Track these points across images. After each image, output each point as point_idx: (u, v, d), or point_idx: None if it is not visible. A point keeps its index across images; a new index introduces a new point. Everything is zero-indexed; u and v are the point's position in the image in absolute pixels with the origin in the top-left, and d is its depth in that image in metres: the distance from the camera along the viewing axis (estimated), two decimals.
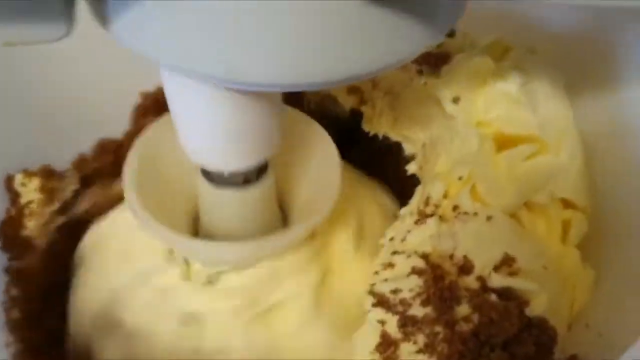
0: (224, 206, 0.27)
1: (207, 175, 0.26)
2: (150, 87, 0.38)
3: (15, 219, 0.31)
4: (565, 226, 0.29)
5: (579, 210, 0.30)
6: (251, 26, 0.17)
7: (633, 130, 0.30)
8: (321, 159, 0.28)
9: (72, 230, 0.33)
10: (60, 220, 0.32)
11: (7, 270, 0.30)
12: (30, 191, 0.31)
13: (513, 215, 0.28)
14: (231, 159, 0.24)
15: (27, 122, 0.33)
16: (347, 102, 0.34)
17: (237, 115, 0.22)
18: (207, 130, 0.22)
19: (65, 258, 0.32)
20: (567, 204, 0.30)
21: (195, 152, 0.24)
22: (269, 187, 0.27)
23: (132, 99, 0.38)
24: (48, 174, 0.33)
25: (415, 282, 0.24)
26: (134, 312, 0.27)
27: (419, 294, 0.24)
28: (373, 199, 0.31)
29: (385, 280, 0.25)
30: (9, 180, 0.32)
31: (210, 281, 0.27)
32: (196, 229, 0.30)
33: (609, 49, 0.30)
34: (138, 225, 0.27)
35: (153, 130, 0.28)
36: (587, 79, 0.32)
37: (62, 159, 0.35)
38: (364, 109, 0.33)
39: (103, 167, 0.35)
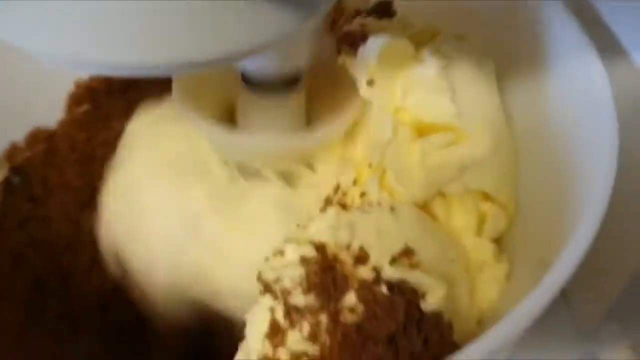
0: (261, 112, 0.28)
1: (246, 79, 0.27)
2: (84, 76, 0.37)
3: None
4: (482, 218, 0.29)
5: (498, 205, 0.29)
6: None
7: (559, 123, 0.29)
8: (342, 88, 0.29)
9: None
10: None
11: None
12: None
13: (426, 205, 0.28)
14: (273, 64, 0.26)
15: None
16: None
17: None
18: None
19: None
20: (486, 196, 0.29)
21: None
22: (301, 99, 0.28)
23: (66, 88, 0.37)
24: None
25: (298, 271, 0.23)
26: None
27: (299, 283, 0.23)
28: None
29: (273, 268, 0.24)
30: None
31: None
32: None
33: (537, 37, 0.30)
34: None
35: None
36: (518, 68, 0.31)
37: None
38: None
39: (35, 155, 0.35)
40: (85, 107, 0.37)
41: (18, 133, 0.36)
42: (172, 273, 0.28)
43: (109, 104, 0.36)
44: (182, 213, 0.28)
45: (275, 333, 0.23)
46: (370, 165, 0.27)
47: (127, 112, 0.34)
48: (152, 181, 0.29)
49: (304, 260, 0.24)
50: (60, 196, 0.34)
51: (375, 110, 0.28)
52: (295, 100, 0.28)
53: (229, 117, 0.30)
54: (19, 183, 0.35)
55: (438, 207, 0.28)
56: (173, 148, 0.30)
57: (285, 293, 0.23)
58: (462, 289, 0.26)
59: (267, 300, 0.24)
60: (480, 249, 0.28)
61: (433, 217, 0.28)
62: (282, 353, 0.23)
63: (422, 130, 0.29)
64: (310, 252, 0.24)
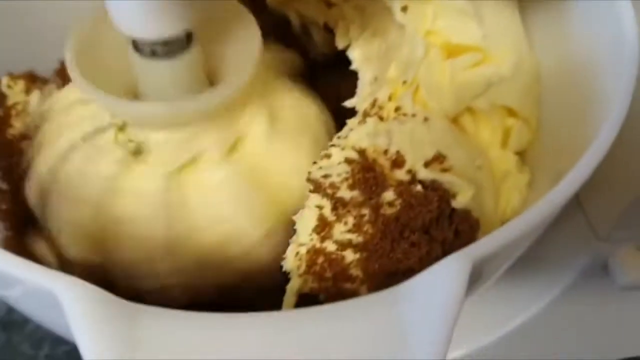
0: (155, 78, 0.28)
1: (137, 47, 0.27)
2: None
3: (2, 119, 0.33)
4: (507, 133, 0.32)
5: (521, 120, 0.32)
6: None
7: (580, 45, 0.31)
8: (243, 39, 0.29)
9: None
10: None
11: None
12: (16, 93, 0.34)
13: (455, 120, 0.31)
14: (154, 27, 0.25)
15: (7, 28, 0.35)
16: (322, 16, 0.36)
17: None
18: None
19: None
20: (511, 112, 0.32)
21: (123, 20, 0.25)
22: (195, 60, 0.28)
23: None
24: (32, 78, 0.35)
25: (344, 168, 0.26)
26: (67, 175, 0.29)
27: (346, 179, 0.26)
28: (291, 94, 0.33)
29: (320, 168, 0.27)
30: None
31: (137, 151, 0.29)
32: None
33: None
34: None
35: (90, 17, 0.30)
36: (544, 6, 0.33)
37: (45, 68, 0.37)
38: (337, 23, 0.35)
39: None
40: None
41: None
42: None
43: None
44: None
45: (322, 227, 0.26)
46: (404, 82, 0.30)
47: None
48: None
49: (348, 160, 0.27)
50: None
51: (408, 33, 0.30)
52: (187, 63, 0.28)
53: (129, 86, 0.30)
54: None
55: (467, 122, 0.31)
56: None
57: (334, 187, 0.26)
58: (488, 194, 0.29)
59: (315, 199, 0.27)
60: (505, 160, 0.31)
61: (462, 130, 0.31)
62: (329, 244, 0.26)
63: (451, 51, 0.31)
64: (353, 154, 0.27)
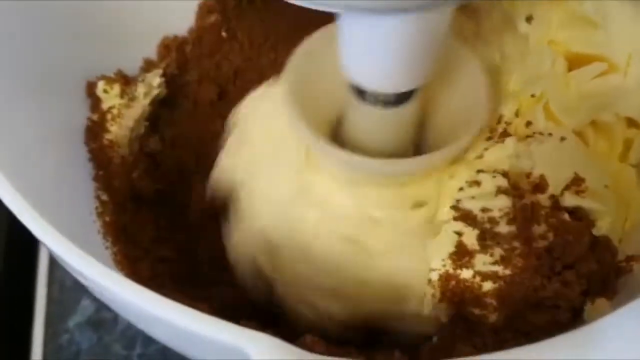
0: (370, 123, 0.28)
1: (359, 93, 0.26)
2: None
3: (98, 124, 0.32)
4: (627, 145, 0.31)
5: None
6: None
7: None
8: (468, 84, 0.29)
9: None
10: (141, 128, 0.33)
11: (95, 179, 0.31)
12: (111, 97, 0.32)
13: (579, 133, 0.29)
14: (391, 82, 0.25)
15: (93, 30, 0.33)
16: None
17: (407, 43, 0.22)
18: (377, 56, 0.23)
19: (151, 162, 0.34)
20: (631, 123, 0.31)
21: (357, 73, 0.25)
22: (415, 109, 0.28)
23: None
24: (126, 80, 0.33)
25: (505, 202, 0.25)
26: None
27: (507, 214, 0.25)
28: None
29: (473, 197, 0.26)
30: (90, 86, 0.32)
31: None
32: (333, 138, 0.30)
33: None
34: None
35: (311, 42, 0.29)
36: None
37: (131, 66, 0.35)
38: None
39: (168, 66, 0.35)
40: (216, 16, 0.37)
41: (151, 49, 0.37)
42: None
43: (236, 15, 0.37)
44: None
45: (461, 254, 0.25)
46: (532, 96, 0.28)
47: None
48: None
49: (502, 191, 0.25)
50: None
51: (533, 44, 0.29)
52: (408, 111, 0.27)
53: (332, 128, 0.31)
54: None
55: (587, 135, 0.30)
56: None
57: (493, 222, 0.25)
58: (613, 212, 0.28)
59: (454, 226, 0.26)
60: (624, 174, 0.30)
61: (585, 144, 0.29)
62: (467, 273, 0.25)
63: (572, 61, 0.30)
64: (504, 182, 0.26)
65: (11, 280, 0.37)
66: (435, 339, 0.26)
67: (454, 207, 0.26)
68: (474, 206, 0.26)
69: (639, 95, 0.30)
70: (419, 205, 0.28)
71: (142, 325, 0.25)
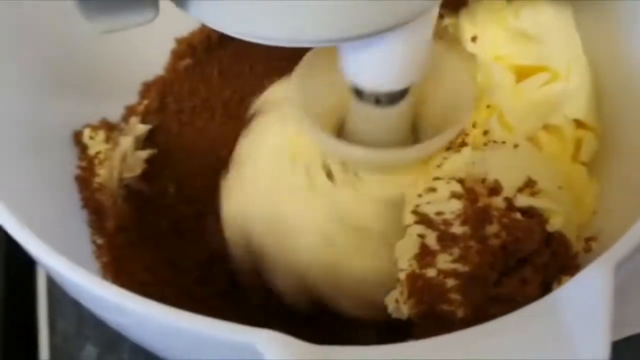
0: (370, 120, 0.31)
1: (359, 94, 0.29)
2: (184, 32, 0.41)
3: (88, 169, 0.34)
4: (578, 145, 0.33)
5: (590, 130, 0.33)
6: None
7: (635, 52, 0.33)
8: (453, 79, 0.32)
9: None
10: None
11: (90, 224, 0.33)
12: (97, 143, 0.35)
13: (532, 138, 0.32)
14: (388, 82, 0.28)
15: (76, 82, 0.36)
16: None
17: (402, 48, 0.26)
18: (372, 60, 0.26)
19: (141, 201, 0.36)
20: (579, 124, 0.33)
21: (357, 76, 0.28)
22: (410, 105, 0.31)
23: (168, 46, 0.40)
24: (109, 127, 0.36)
25: (456, 205, 0.28)
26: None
27: (458, 216, 0.27)
28: None
29: (429, 202, 0.28)
30: (77, 135, 0.35)
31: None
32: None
33: None
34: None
35: (315, 52, 0.32)
36: (594, 7, 0.34)
37: (113, 113, 0.38)
38: None
39: (148, 107, 0.38)
40: (188, 61, 0.40)
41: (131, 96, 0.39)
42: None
43: (207, 58, 0.40)
44: None
45: (424, 255, 0.28)
46: (488, 106, 0.31)
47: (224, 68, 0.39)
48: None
49: (456, 195, 0.28)
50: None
51: (481, 61, 0.32)
52: (402, 110, 0.30)
53: (338, 125, 0.34)
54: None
55: (541, 139, 0.32)
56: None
57: (447, 224, 0.27)
58: (567, 210, 0.31)
59: (417, 229, 0.28)
60: (576, 173, 0.32)
61: (539, 148, 0.32)
62: (430, 271, 0.28)
63: (519, 73, 0.33)
64: (458, 187, 0.28)
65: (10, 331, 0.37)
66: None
67: (414, 212, 0.28)
68: (430, 210, 0.28)
69: (582, 98, 0.33)
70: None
71: (153, 341, 0.26)
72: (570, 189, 0.32)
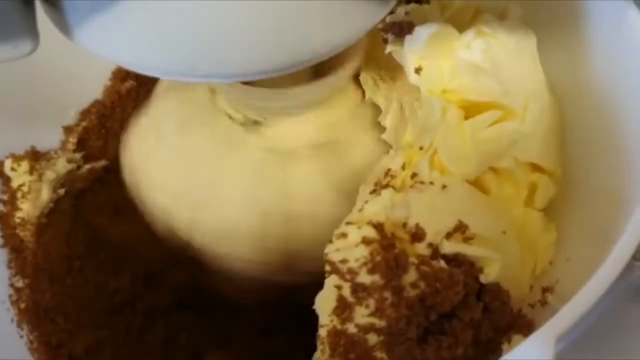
0: None
1: None
2: None
3: (9, 203, 0.33)
4: (532, 189, 0.30)
5: (547, 174, 0.30)
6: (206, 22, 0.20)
7: (602, 90, 0.30)
8: None
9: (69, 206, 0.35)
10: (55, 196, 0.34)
11: (9, 265, 0.32)
12: (20, 174, 0.33)
13: (478, 180, 0.29)
14: None
15: (8, 106, 0.35)
16: None
17: None
18: None
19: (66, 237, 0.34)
20: (535, 167, 0.30)
21: None
22: None
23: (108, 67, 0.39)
24: (35, 156, 0.34)
25: (362, 252, 0.25)
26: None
27: (364, 264, 0.25)
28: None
29: (338, 250, 0.26)
30: None
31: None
32: None
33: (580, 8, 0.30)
34: None
35: None
36: (559, 39, 0.32)
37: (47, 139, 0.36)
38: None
39: (89, 127, 0.37)
40: (131, 82, 0.39)
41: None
42: None
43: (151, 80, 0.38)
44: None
45: (342, 308, 0.25)
46: (421, 148, 0.28)
47: None
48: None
49: (366, 241, 0.25)
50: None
51: (424, 95, 0.29)
52: None
53: None
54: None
55: (488, 181, 0.29)
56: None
57: (352, 273, 0.25)
58: (514, 258, 0.28)
59: (333, 280, 0.26)
60: (530, 219, 0.29)
61: (484, 191, 0.29)
62: (350, 326, 0.25)
63: (469, 110, 0.30)
64: (371, 232, 0.26)
65: None
66: None
67: (326, 260, 0.26)
68: (336, 258, 0.26)
69: (538, 139, 0.30)
70: None
71: None
72: (521, 236, 0.29)
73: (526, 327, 0.26)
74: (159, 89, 0.35)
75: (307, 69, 0.30)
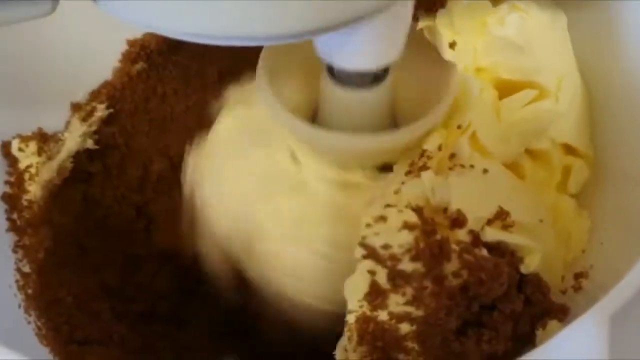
0: (345, 105, 0.27)
1: (333, 74, 0.26)
2: (137, 34, 0.36)
3: (17, 185, 0.31)
4: (566, 173, 0.29)
5: (580, 157, 0.29)
6: None
7: (631, 73, 0.29)
8: (432, 65, 0.28)
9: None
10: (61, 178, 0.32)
11: (15, 250, 0.30)
12: (28, 155, 0.31)
13: (514, 163, 0.28)
14: (362, 59, 0.24)
15: (16, 86, 0.32)
16: None
17: (381, 27, 0.23)
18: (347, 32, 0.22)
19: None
20: (568, 149, 0.29)
21: (330, 53, 0.25)
22: (388, 89, 0.27)
23: (118, 48, 0.37)
24: (43, 137, 0.32)
25: (406, 238, 0.24)
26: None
27: (408, 250, 0.23)
28: None
29: (377, 234, 0.24)
30: (5, 147, 0.32)
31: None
32: None
33: None
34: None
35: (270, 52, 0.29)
36: (588, 19, 0.30)
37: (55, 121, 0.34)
38: None
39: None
40: (141, 64, 0.36)
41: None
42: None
43: (162, 63, 0.37)
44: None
45: (375, 295, 0.24)
46: (459, 127, 0.27)
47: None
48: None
49: (408, 226, 0.24)
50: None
51: (460, 72, 0.28)
52: (382, 94, 0.27)
53: (309, 108, 0.30)
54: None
55: (524, 165, 0.28)
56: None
57: (394, 259, 0.23)
58: (550, 247, 0.27)
59: (367, 265, 0.24)
60: (563, 206, 0.28)
61: (519, 176, 0.28)
62: (382, 313, 0.24)
63: (502, 88, 0.29)
64: (412, 217, 0.24)
65: None
66: None
67: (361, 244, 0.24)
68: (377, 243, 0.24)
69: (573, 119, 0.29)
70: None
71: None
72: (555, 223, 0.28)
73: (561, 312, 0.25)
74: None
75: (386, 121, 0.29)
